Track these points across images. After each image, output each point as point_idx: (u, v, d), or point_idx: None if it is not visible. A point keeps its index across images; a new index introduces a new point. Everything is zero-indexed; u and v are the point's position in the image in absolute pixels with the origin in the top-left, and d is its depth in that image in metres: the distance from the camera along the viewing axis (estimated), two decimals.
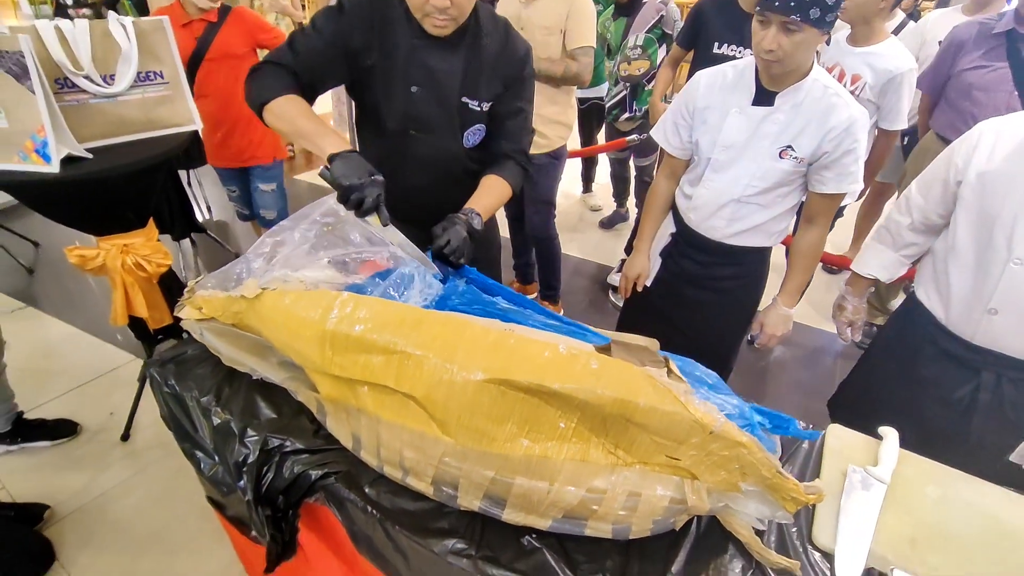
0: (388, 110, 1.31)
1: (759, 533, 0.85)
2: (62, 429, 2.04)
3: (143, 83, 1.59)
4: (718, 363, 1.75)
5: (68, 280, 3.04)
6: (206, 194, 3.91)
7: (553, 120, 2.31)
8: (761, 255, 1.57)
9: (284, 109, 1.17)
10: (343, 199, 1.06)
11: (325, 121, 1.22)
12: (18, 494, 1.84)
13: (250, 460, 1.00)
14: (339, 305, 0.93)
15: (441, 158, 1.39)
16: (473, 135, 1.40)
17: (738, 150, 1.40)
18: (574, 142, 2.89)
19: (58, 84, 1.45)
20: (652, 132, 1.60)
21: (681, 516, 0.82)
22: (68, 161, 1.44)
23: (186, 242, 3.19)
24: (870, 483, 0.93)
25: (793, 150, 1.34)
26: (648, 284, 1.70)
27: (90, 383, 2.33)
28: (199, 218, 3.68)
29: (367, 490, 0.93)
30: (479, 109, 1.36)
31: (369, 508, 0.90)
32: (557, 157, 2.42)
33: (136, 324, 1.90)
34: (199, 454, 1.15)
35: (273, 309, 1.01)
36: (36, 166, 1.39)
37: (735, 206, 1.45)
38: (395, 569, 0.94)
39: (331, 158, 1.08)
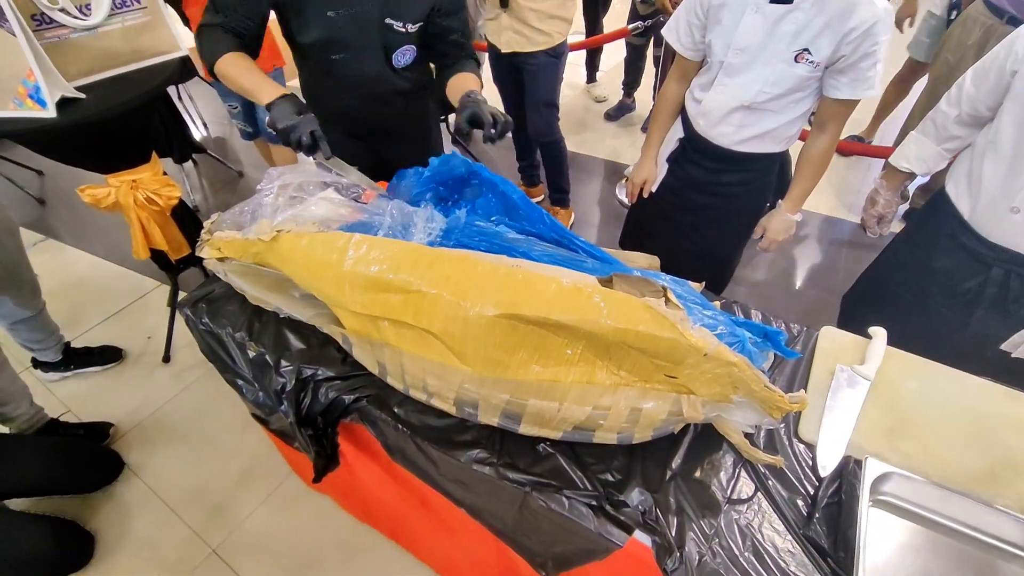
0: (308, 35, 1.32)
1: (749, 435, 0.95)
2: (109, 355, 2.19)
3: (121, 11, 1.52)
4: (721, 265, 1.80)
5: (81, 209, 3.08)
6: (200, 110, 3.81)
7: (551, 15, 2.18)
8: (770, 161, 1.54)
9: (225, 70, 1.24)
10: (284, 142, 1.15)
11: (257, 71, 1.25)
12: (83, 415, 2.03)
13: (288, 388, 1.11)
14: (354, 247, 0.98)
15: (367, 80, 1.41)
16: (403, 56, 1.40)
17: (752, 53, 1.33)
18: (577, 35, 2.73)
19: (36, 21, 1.40)
20: (663, 31, 1.52)
21: (678, 424, 0.91)
22: (63, 103, 1.42)
23: (188, 164, 3.18)
24: (855, 380, 1.00)
25: (810, 53, 1.26)
26: (654, 190, 1.70)
27: (123, 310, 2.46)
28: (196, 136, 3.62)
29: (396, 410, 1.03)
30: (404, 31, 1.34)
31: (399, 426, 1.01)
32: (557, 55, 2.30)
33: (157, 256, 1.97)
34: (241, 383, 1.26)
35: (291, 251, 1.06)
36: (33, 112, 1.39)
37: (746, 113, 1.40)
38: (426, 474, 1.07)
39: (267, 107, 1.17)
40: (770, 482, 0.90)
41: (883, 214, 1.46)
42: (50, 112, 1.38)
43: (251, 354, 1.17)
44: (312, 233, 1.05)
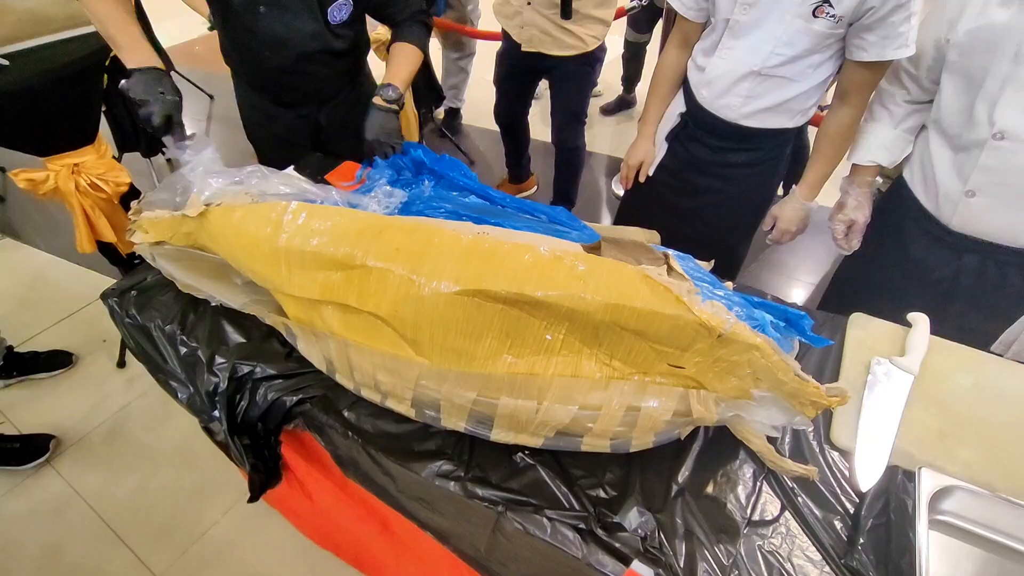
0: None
1: (772, 439, 0.78)
2: (57, 360, 2.01)
3: None
4: (727, 256, 1.63)
5: (42, 208, 2.90)
6: None
7: (587, 15, 1.86)
8: (782, 138, 1.35)
9: (95, 8, 1.08)
10: (138, 116, 1.07)
11: (133, 27, 1.11)
12: (23, 426, 1.84)
13: (221, 388, 0.93)
14: (291, 214, 0.81)
15: (298, 37, 1.28)
16: (338, 11, 1.26)
17: (763, 8, 1.15)
18: None
19: None
20: None
21: (686, 427, 0.75)
22: None
23: (159, 158, 3.00)
24: (896, 375, 0.84)
25: (831, 5, 1.08)
26: (651, 173, 1.53)
27: (79, 312, 2.28)
28: None
29: (346, 414, 0.86)
30: None
31: (350, 432, 0.84)
32: (591, 63, 2.00)
33: (107, 250, 1.79)
34: (173, 384, 1.08)
35: (222, 226, 0.89)
36: None
37: (755, 80, 1.22)
38: (384, 491, 0.90)
39: (128, 72, 1.07)
40: (799, 499, 0.73)
41: (853, 219, 1.23)
42: None
43: (182, 350, 1.00)
44: (246, 205, 0.88)
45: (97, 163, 1.60)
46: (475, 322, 0.69)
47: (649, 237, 0.96)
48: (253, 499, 1.00)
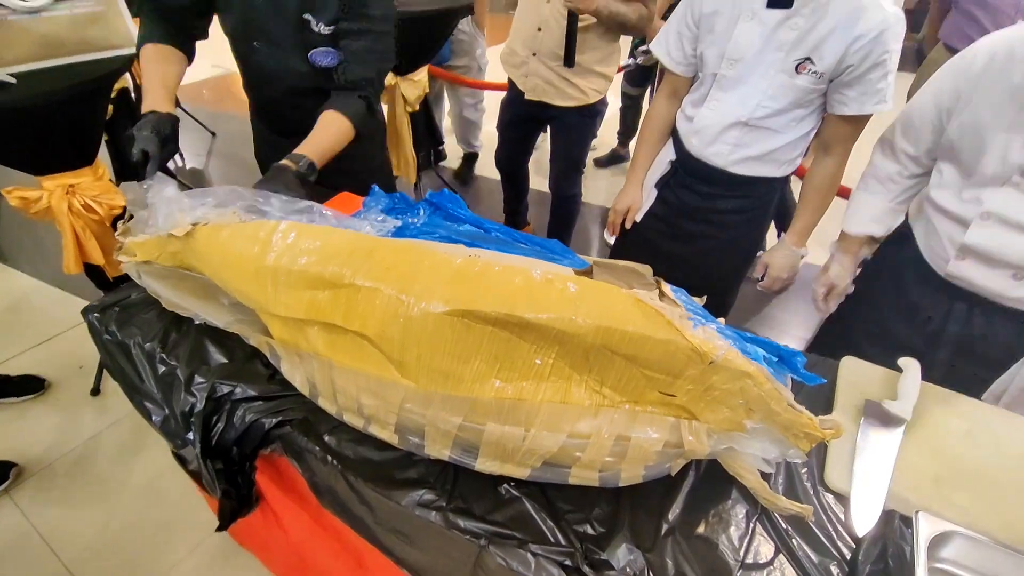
0: (230, 18, 1.25)
1: (765, 476, 0.76)
2: (28, 386, 1.94)
3: None
4: (715, 303, 1.64)
5: (32, 231, 2.88)
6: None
7: (589, 69, 1.93)
8: (769, 187, 1.39)
9: (142, 62, 1.21)
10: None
11: (158, 77, 1.21)
12: None
13: (197, 409, 0.90)
14: (281, 234, 0.81)
15: (286, 73, 1.29)
16: (322, 56, 1.26)
17: (748, 64, 1.21)
18: None
19: None
20: (651, 45, 1.41)
21: (677, 461, 0.72)
22: None
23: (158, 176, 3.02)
24: (889, 419, 0.83)
25: (812, 63, 1.14)
26: (638, 219, 1.56)
27: (58, 337, 2.22)
28: (170, 165, 3.49)
29: (326, 438, 0.83)
30: (318, 31, 1.21)
31: (329, 458, 0.81)
32: (592, 115, 2.07)
33: (94, 273, 1.77)
34: (148, 405, 1.04)
35: (209, 246, 0.88)
36: None
37: (742, 130, 1.28)
38: (361, 523, 0.85)
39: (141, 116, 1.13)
40: (794, 541, 0.70)
41: (834, 284, 1.24)
42: None
43: (161, 369, 0.97)
44: (233, 224, 0.88)
45: (93, 184, 1.60)
46: (463, 343, 0.68)
47: (639, 268, 0.96)
48: (222, 527, 0.94)
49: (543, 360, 0.68)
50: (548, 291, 0.67)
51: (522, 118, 2.17)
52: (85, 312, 1.09)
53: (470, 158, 3.37)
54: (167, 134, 1.12)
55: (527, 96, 2.04)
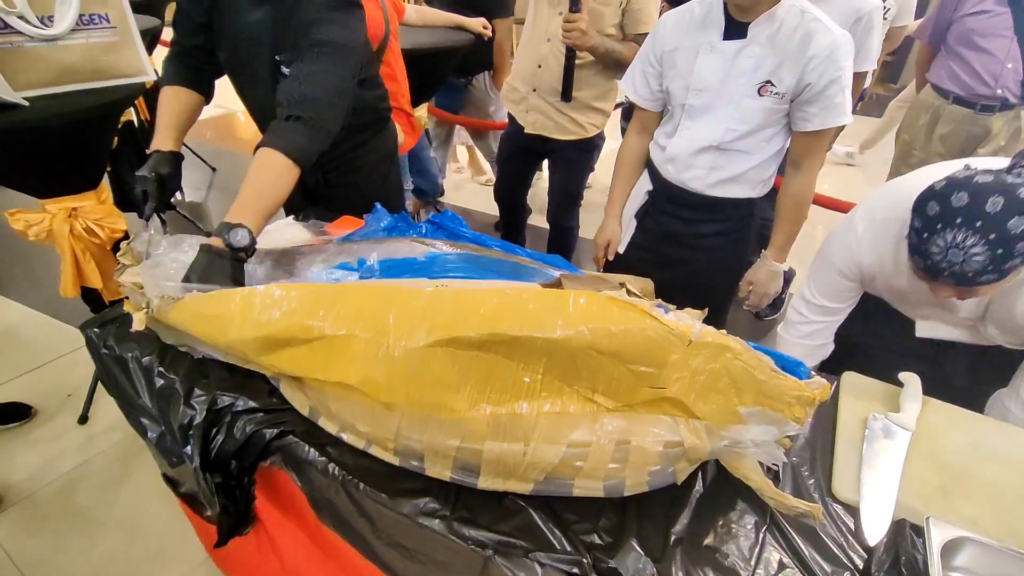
0: (222, 53, 1.27)
1: (775, 477, 0.76)
2: (14, 413, 1.90)
3: (86, 27, 1.45)
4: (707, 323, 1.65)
5: (24, 260, 2.87)
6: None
7: (587, 105, 1.97)
8: (747, 208, 1.43)
9: (158, 104, 1.24)
10: None
11: (169, 117, 1.25)
12: None
13: (196, 421, 0.89)
14: (236, 305, 0.81)
15: (273, 113, 1.11)
16: None
17: (713, 92, 1.28)
18: None
19: None
20: (621, 82, 1.47)
21: (681, 464, 0.72)
22: (3, 110, 1.30)
23: (155, 220, 3.03)
24: (893, 431, 0.83)
25: (773, 85, 1.22)
26: (621, 251, 1.58)
27: (47, 365, 2.19)
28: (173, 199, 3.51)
29: (328, 449, 0.81)
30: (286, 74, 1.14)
31: (331, 468, 0.79)
32: (589, 149, 2.12)
33: (90, 297, 1.76)
34: (144, 421, 1.03)
35: (184, 323, 0.88)
36: None
37: (715, 154, 1.33)
38: (360, 539, 0.83)
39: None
40: (805, 551, 0.69)
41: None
42: None
43: (159, 382, 0.96)
44: (190, 305, 0.86)
45: (96, 208, 1.61)
46: (450, 373, 0.68)
47: (643, 286, 0.98)
48: (220, 543, 0.91)
49: (532, 377, 0.68)
50: (525, 305, 0.68)
51: (522, 151, 2.22)
52: (84, 327, 1.08)
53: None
54: (167, 173, 1.15)
55: (527, 130, 2.09)
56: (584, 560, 0.66)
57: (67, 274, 1.63)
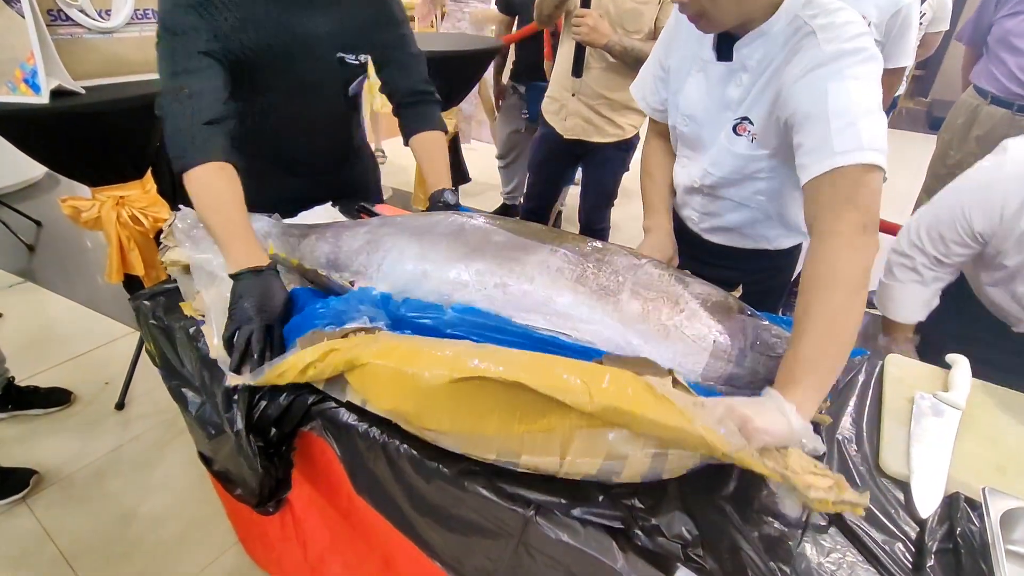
0: (272, 82, 1.12)
1: (819, 457, 0.74)
2: (55, 397, 1.95)
3: (141, 20, 1.52)
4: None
5: (68, 256, 2.98)
6: None
7: (626, 105, 1.98)
8: (766, 262, 1.15)
9: (201, 189, 0.93)
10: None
11: (239, 216, 0.94)
12: (6, 460, 1.75)
13: (241, 387, 0.90)
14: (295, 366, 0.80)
15: (324, 115, 1.25)
16: (357, 84, 1.27)
17: (699, 122, 1.03)
18: None
19: (51, 16, 1.38)
20: (631, 88, 1.23)
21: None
22: (58, 94, 1.36)
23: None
24: (942, 409, 0.81)
25: (751, 123, 0.94)
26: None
27: (87, 354, 2.25)
28: None
29: (369, 414, 0.82)
30: (358, 63, 1.21)
31: (371, 431, 0.80)
32: (627, 148, 2.14)
33: (132, 285, 1.81)
34: (186, 391, 1.06)
35: None
36: (24, 97, 1.32)
37: (705, 197, 1.10)
38: (395, 507, 0.83)
39: (233, 278, 0.88)
40: (854, 522, 0.67)
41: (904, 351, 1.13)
42: (42, 98, 1.32)
43: (204, 350, 0.98)
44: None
45: (141, 197, 1.67)
46: (479, 401, 0.68)
47: (656, 363, 0.86)
48: (260, 504, 0.93)
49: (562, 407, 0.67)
50: (555, 369, 0.65)
51: (557, 155, 2.22)
52: (134, 299, 1.11)
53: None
54: (275, 310, 0.87)
55: (566, 136, 2.11)
56: (627, 518, 0.66)
57: (113, 260, 1.68)
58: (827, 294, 0.69)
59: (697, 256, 1.14)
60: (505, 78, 2.94)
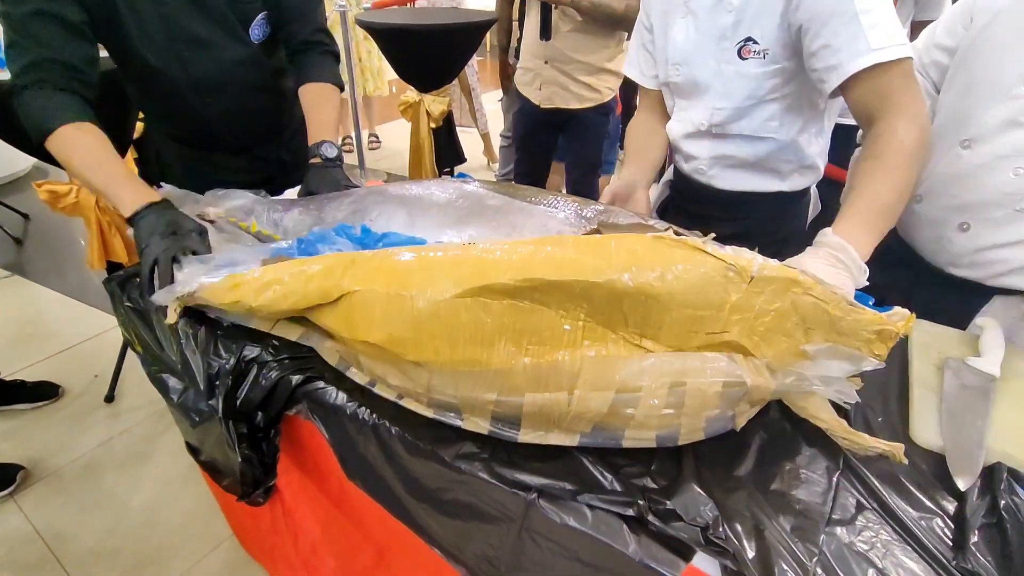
0: (148, 43, 1.05)
1: (844, 414, 0.68)
2: (42, 391, 1.90)
3: None
4: None
5: (57, 249, 2.92)
6: None
7: (600, 68, 1.95)
8: (777, 206, 1.10)
9: (62, 149, 0.93)
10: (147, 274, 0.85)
11: (116, 164, 0.95)
12: None
13: (224, 370, 0.84)
14: (255, 283, 0.77)
15: (231, 70, 1.13)
16: (259, 28, 1.15)
17: (691, 64, 1.01)
18: None
19: None
20: (624, 70, 1.20)
21: (741, 407, 0.65)
22: None
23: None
24: (975, 376, 0.75)
25: (755, 41, 0.92)
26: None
27: (75, 347, 2.20)
28: None
29: (358, 394, 0.76)
30: (251, 1, 1.11)
31: (360, 413, 0.74)
32: (606, 113, 2.09)
33: (114, 270, 1.75)
34: (168, 379, 1.00)
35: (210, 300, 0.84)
36: None
37: (711, 140, 1.06)
38: (390, 493, 0.78)
39: (128, 222, 0.88)
40: (886, 497, 0.62)
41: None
42: (4, 73, 1.23)
43: (184, 334, 0.92)
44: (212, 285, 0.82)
45: None
46: (483, 326, 0.62)
47: (652, 222, 0.85)
48: (243, 496, 0.87)
49: (572, 324, 0.62)
50: (563, 250, 0.62)
51: (537, 128, 2.18)
52: (107, 281, 1.05)
53: None
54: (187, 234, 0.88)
55: (543, 106, 2.07)
56: (639, 502, 0.60)
57: (93, 246, 1.62)
58: (881, 161, 0.77)
59: (706, 212, 1.10)
60: (511, 56, 2.88)
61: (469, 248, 0.67)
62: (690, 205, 1.15)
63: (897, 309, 0.60)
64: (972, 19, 0.87)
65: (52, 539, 1.48)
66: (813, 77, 0.88)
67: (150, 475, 1.66)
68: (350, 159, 3.96)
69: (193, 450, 1.20)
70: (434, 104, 2.45)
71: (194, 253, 0.84)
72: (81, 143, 0.93)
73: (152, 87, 1.07)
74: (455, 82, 2.98)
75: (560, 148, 2.25)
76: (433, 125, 2.49)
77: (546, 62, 1.96)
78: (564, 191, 2.33)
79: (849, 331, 0.58)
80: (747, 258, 0.59)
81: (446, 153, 2.66)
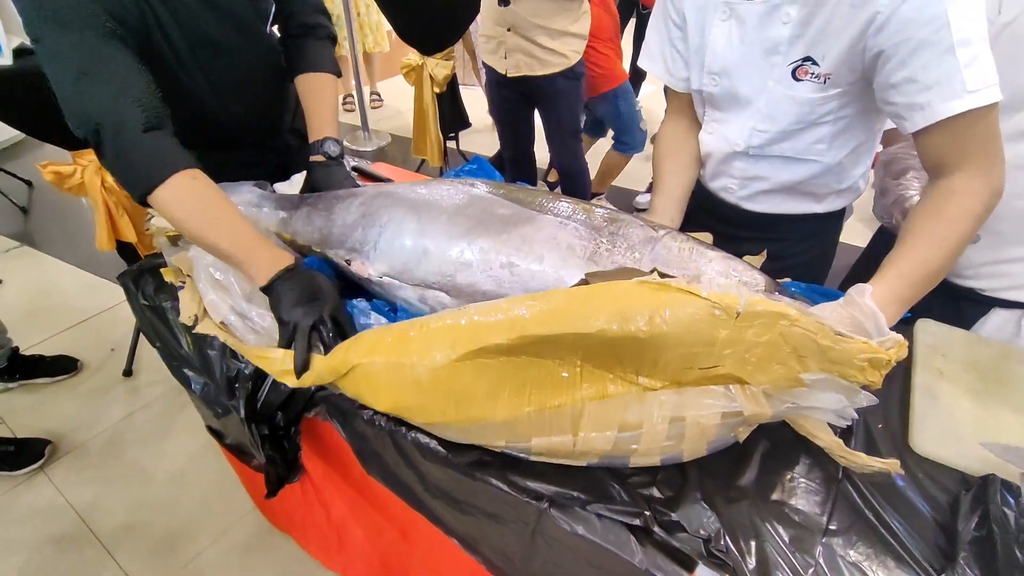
0: (175, 57, 0.96)
1: (844, 437, 0.71)
2: (62, 365, 1.95)
3: None
4: None
5: (64, 218, 2.91)
6: None
7: (564, 31, 1.94)
8: (815, 225, 1.01)
9: (180, 205, 0.79)
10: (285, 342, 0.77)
11: (241, 223, 0.82)
12: (19, 430, 1.77)
13: (244, 373, 0.87)
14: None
15: (250, 71, 1.09)
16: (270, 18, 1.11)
17: (734, 77, 0.89)
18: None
19: None
20: (640, 61, 1.06)
21: (742, 428, 0.67)
22: (23, 54, 1.26)
23: None
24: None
25: (815, 63, 0.80)
26: None
27: (90, 320, 2.23)
28: None
29: None
30: None
31: (377, 419, 0.77)
32: (576, 77, 2.06)
33: (126, 250, 1.76)
34: (188, 372, 1.03)
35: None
36: None
37: (747, 161, 0.95)
38: (408, 489, 0.82)
39: (266, 291, 0.79)
40: (881, 508, 0.65)
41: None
42: (5, 59, 1.22)
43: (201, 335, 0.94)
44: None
45: None
46: (484, 382, 0.64)
47: (638, 268, 0.77)
48: (270, 495, 0.91)
49: (570, 371, 0.64)
50: (551, 304, 0.63)
51: (509, 98, 2.17)
52: (121, 277, 1.07)
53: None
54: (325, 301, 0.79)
55: (509, 74, 2.04)
56: (645, 512, 0.63)
57: (101, 227, 1.63)
58: (943, 223, 0.71)
59: (732, 232, 1.00)
60: None
61: (461, 314, 0.68)
62: (712, 222, 1.02)
63: (891, 335, 0.60)
64: (1000, 10, 0.84)
65: (84, 511, 1.55)
66: (888, 110, 0.77)
67: (171, 449, 1.72)
68: (352, 119, 3.88)
69: (217, 434, 1.25)
70: (438, 68, 2.38)
71: (334, 322, 0.77)
72: (194, 197, 0.80)
73: (172, 98, 0.89)
74: (459, 43, 2.88)
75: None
76: (437, 90, 2.43)
77: (509, 29, 1.94)
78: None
79: (841, 360, 0.59)
80: (733, 295, 0.59)
81: (451, 118, 2.61)
